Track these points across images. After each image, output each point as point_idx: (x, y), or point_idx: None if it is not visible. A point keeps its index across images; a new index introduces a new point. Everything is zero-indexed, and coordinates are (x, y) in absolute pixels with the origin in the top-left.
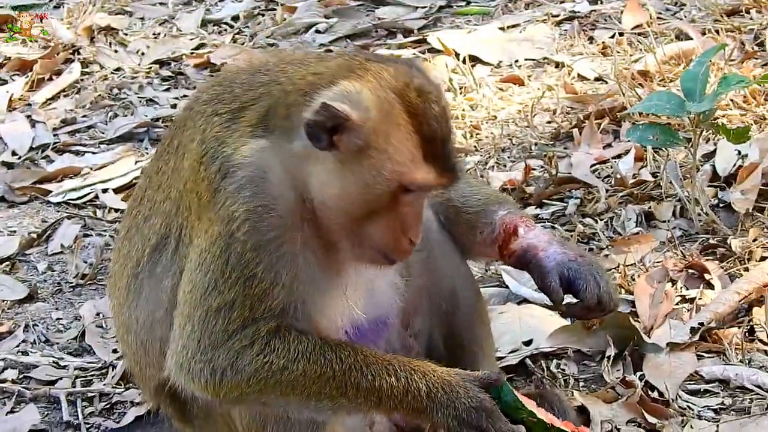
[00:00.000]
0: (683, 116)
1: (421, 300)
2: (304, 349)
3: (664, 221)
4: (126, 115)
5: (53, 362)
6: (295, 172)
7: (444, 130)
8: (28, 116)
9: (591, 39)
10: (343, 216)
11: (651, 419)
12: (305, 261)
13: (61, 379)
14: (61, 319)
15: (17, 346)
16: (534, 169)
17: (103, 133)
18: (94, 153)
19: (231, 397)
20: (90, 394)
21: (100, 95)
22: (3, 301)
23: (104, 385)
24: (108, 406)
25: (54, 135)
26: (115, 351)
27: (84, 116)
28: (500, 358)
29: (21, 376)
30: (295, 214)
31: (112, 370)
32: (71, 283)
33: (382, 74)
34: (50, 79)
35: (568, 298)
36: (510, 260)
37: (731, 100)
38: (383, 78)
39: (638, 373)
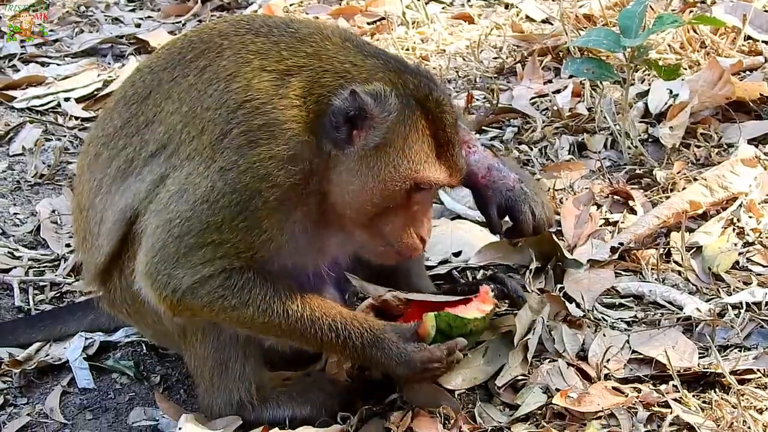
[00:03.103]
0: (619, 51)
1: None
2: (256, 295)
3: (596, 152)
4: (92, 32)
5: (8, 253)
6: (318, 166)
7: (454, 137)
8: None
9: None
10: (361, 212)
11: (574, 312)
12: (302, 229)
13: (15, 268)
14: (18, 214)
15: None
16: (477, 100)
17: (68, 47)
18: (58, 65)
19: (184, 315)
20: (41, 284)
21: (68, 11)
22: None
23: (55, 275)
24: (58, 294)
25: (21, 47)
26: (68, 245)
27: (51, 30)
28: (430, 267)
29: None
30: (309, 193)
31: (64, 262)
32: (30, 182)
33: (408, 83)
34: None
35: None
36: None
37: (669, 45)
38: (409, 86)
39: (558, 286)
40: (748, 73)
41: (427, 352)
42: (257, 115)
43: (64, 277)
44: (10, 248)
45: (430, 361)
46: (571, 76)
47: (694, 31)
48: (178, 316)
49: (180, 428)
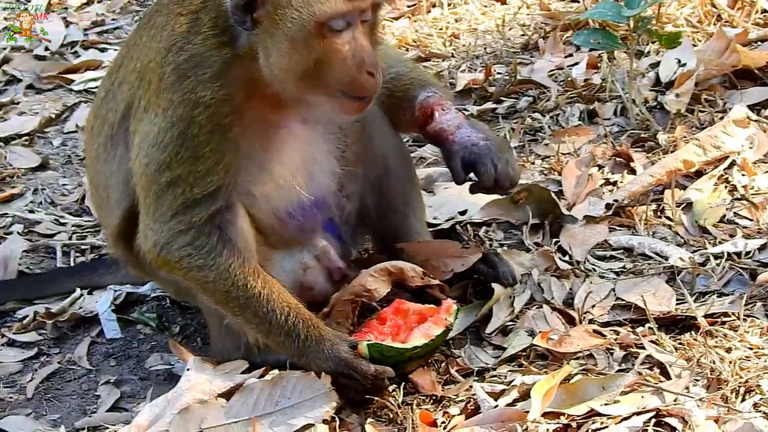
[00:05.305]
0: (622, 22)
1: (356, 165)
2: (222, 261)
3: (605, 119)
4: None
5: (54, 220)
6: (245, 65)
7: None
8: (64, 18)
9: None
10: (297, 78)
11: (563, 265)
12: (247, 145)
13: (59, 233)
14: (66, 185)
15: (26, 205)
16: (499, 74)
17: (126, 33)
18: (116, 50)
19: (164, 269)
20: (83, 247)
21: (129, 1)
22: (18, 168)
23: (96, 239)
24: (97, 257)
25: (84, 34)
26: None
27: (113, 19)
28: (436, 225)
29: (26, 230)
30: (245, 104)
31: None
32: (80, 156)
33: None
34: None
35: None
36: (429, 139)
37: (686, 19)
38: None
39: (554, 240)
40: (759, 43)
41: (357, 360)
42: (181, 52)
43: (103, 241)
44: (56, 215)
45: (356, 370)
46: (590, 50)
47: (713, 6)
48: (160, 269)
49: (188, 369)
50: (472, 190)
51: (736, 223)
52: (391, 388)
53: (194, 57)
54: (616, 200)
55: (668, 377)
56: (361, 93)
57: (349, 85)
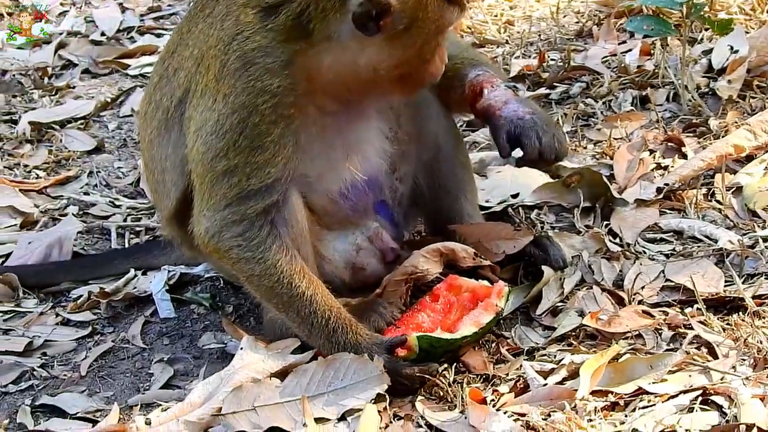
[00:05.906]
0: (675, 8)
1: (408, 147)
2: (269, 256)
3: (658, 105)
4: None
5: (110, 202)
6: (313, 56)
7: None
8: (120, 3)
9: None
10: (393, 73)
11: (613, 248)
12: (306, 135)
13: (114, 215)
14: (122, 167)
15: (81, 187)
16: (553, 60)
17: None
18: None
19: (214, 256)
20: (137, 229)
21: None
22: (74, 151)
23: (150, 221)
24: (152, 238)
25: (140, 20)
26: None
27: (169, 5)
28: (488, 208)
29: (81, 212)
30: (307, 95)
31: None
32: (135, 139)
33: None
34: None
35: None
36: (478, 117)
37: (739, 7)
38: None
39: (605, 223)
40: None
41: (398, 365)
42: (249, 41)
43: (158, 223)
44: (111, 198)
45: (400, 375)
46: (644, 36)
47: None
48: (209, 255)
49: (241, 348)
50: (518, 164)
51: None
52: (441, 368)
53: (264, 47)
54: (666, 184)
55: (715, 356)
56: (433, 80)
57: (432, 74)
